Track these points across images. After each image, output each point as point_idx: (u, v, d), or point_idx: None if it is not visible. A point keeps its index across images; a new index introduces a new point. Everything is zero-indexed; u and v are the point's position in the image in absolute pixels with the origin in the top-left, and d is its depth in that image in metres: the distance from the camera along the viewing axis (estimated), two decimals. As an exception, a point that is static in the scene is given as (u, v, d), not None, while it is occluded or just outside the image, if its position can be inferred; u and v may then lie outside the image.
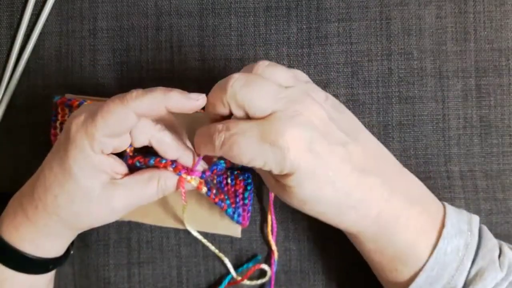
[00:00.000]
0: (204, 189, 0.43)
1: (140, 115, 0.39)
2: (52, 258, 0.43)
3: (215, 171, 0.43)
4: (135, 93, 0.39)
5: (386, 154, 0.43)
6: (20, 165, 0.51)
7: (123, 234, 0.51)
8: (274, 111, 0.38)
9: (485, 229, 0.43)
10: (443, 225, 0.41)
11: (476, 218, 0.43)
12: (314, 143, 0.37)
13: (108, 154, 0.40)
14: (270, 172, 0.39)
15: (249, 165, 0.38)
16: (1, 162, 0.51)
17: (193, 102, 0.40)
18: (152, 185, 0.41)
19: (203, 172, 0.43)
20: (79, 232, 0.44)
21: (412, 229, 0.40)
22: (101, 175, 0.40)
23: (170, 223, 0.50)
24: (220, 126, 0.38)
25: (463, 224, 0.41)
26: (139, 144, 0.41)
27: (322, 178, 0.38)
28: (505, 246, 0.42)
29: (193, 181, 0.42)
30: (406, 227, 0.40)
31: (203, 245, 0.50)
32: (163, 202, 0.49)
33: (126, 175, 0.42)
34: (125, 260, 0.51)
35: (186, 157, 0.42)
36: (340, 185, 0.38)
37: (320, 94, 0.40)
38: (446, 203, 0.43)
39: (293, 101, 0.38)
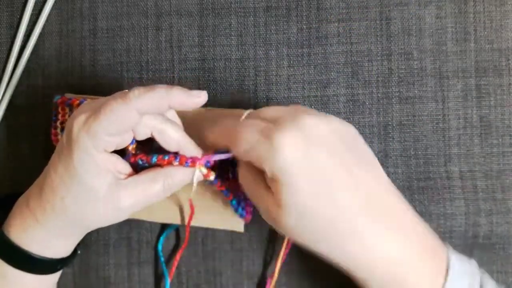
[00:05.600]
0: (212, 176, 0.43)
1: (143, 113, 0.39)
2: (60, 258, 0.43)
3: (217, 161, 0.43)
4: (137, 91, 0.39)
5: (400, 199, 0.40)
6: (20, 165, 0.51)
7: (123, 234, 0.51)
8: (283, 117, 0.38)
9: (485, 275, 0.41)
10: (447, 272, 0.39)
11: (474, 263, 0.41)
12: (315, 153, 0.36)
13: (111, 152, 0.40)
14: (262, 181, 0.38)
15: (245, 158, 0.38)
16: (1, 162, 0.51)
17: (195, 99, 0.40)
18: (158, 183, 0.41)
19: (207, 161, 0.43)
20: (87, 232, 0.44)
21: (421, 280, 0.38)
22: (106, 174, 0.40)
23: (174, 220, 0.50)
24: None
25: (467, 267, 0.40)
26: (141, 137, 0.41)
27: (319, 189, 0.36)
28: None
29: (202, 168, 0.42)
30: (416, 280, 0.38)
31: (203, 245, 0.50)
32: (166, 200, 0.49)
33: (130, 174, 0.42)
34: (125, 260, 0.51)
35: (187, 148, 0.42)
36: (341, 209, 0.37)
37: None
38: (448, 248, 0.41)
39: (304, 113, 0.38)
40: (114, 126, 0.39)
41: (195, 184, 0.42)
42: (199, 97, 0.41)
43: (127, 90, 0.40)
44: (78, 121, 0.39)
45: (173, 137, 0.41)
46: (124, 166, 0.41)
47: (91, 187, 0.39)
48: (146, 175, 0.41)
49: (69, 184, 0.39)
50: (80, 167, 0.39)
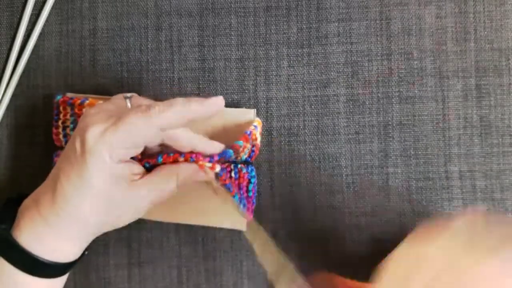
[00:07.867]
0: (218, 168, 0.43)
1: (164, 129, 0.40)
2: (69, 262, 0.43)
3: (222, 159, 0.44)
4: (157, 108, 0.39)
5: None
6: (20, 165, 0.51)
7: (123, 234, 0.51)
8: None
9: None
10: None
11: None
12: None
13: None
14: None
15: None
16: (1, 162, 0.51)
17: (213, 108, 0.41)
18: (172, 180, 0.42)
19: (211, 156, 0.43)
20: (101, 233, 0.44)
21: None
22: (121, 181, 0.40)
23: (176, 219, 0.50)
24: None
25: None
26: (153, 145, 0.42)
27: None
28: None
29: (206, 163, 0.43)
30: None
31: (204, 244, 0.50)
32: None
33: (143, 174, 0.42)
34: (125, 260, 0.51)
35: (201, 144, 0.43)
36: None
37: None
38: None
39: None
40: (133, 140, 0.39)
41: (212, 175, 0.43)
42: (216, 104, 0.41)
43: (145, 104, 0.40)
44: (94, 132, 0.39)
45: (185, 140, 0.42)
46: (137, 168, 0.42)
47: (108, 195, 0.40)
48: (160, 172, 0.42)
49: (85, 194, 0.39)
50: (96, 178, 0.39)
